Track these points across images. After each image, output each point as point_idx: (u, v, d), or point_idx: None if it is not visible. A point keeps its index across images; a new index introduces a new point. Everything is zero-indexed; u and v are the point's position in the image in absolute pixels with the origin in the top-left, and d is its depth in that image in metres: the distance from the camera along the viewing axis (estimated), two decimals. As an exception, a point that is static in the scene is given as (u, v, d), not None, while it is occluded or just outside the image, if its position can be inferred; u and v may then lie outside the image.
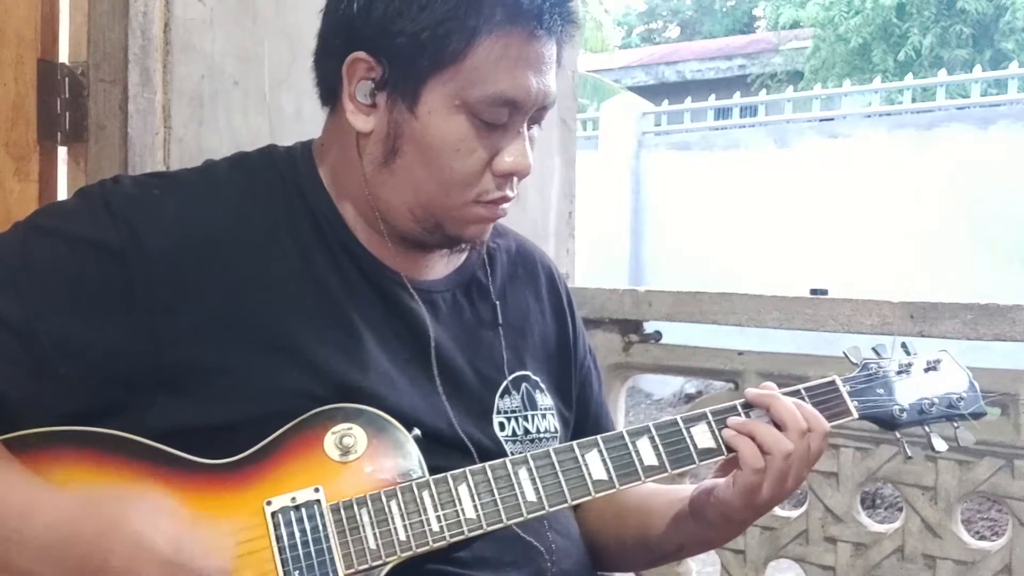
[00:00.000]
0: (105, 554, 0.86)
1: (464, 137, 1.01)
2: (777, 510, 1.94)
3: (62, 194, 1.57)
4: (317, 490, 0.97)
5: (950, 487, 1.77)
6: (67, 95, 1.53)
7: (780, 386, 1.97)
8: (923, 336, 1.74)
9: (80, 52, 1.53)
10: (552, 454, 1.03)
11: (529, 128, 1.06)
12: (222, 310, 1.00)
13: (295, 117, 1.65)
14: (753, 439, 1.06)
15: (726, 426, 1.08)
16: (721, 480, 1.09)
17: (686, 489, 1.16)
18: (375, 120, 1.03)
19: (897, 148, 7.72)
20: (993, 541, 1.80)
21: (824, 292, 1.99)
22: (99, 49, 1.51)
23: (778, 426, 1.07)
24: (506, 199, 1.06)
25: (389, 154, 1.04)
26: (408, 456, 1.00)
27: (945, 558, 1.77)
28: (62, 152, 1.57)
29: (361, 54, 1.02)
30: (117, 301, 0.97)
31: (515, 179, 1.06)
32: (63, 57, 1.55)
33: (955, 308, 1.73)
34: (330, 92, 1.08)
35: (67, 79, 1.53)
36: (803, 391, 1.13)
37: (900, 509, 1.86)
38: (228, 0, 1.58)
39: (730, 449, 1.07)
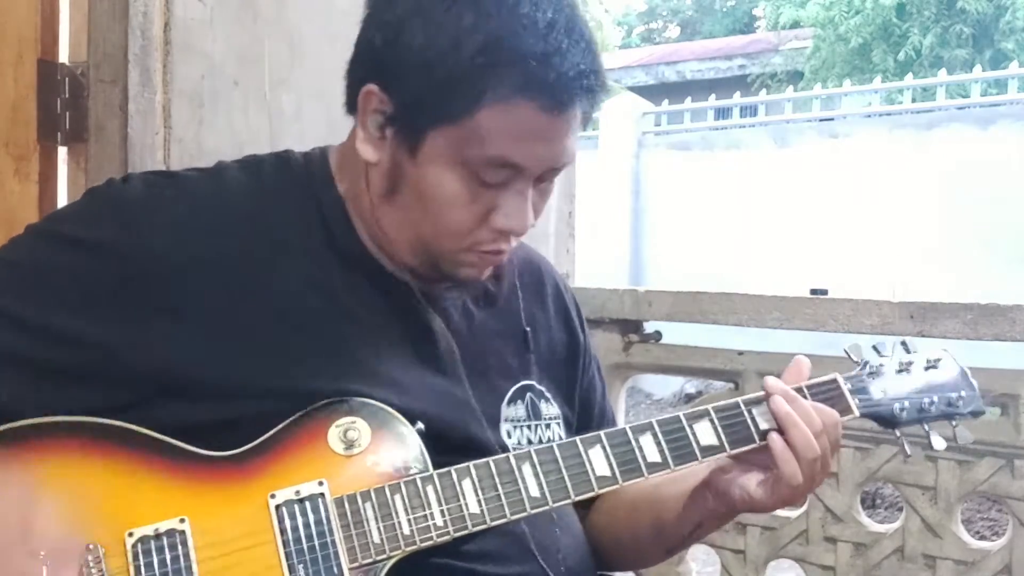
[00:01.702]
0: None
1: (458, 192, 0.99)
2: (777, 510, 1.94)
3: (62, 194, 1.58)
4: (321, 483, 0.97)
5: (950, 487, 1.76)
6: (67, 95, 1.54)
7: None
8: (923, 336, 1.74)
9: (80, 52, 1.54)
10: (556, 449, 1.03)
11: (541, 182, 1.04)
12: (227, 315, 1.00)
13: (295, 117, 1.65)
14: (783, 433, 1.06)
15: (775, 431, 1.06)
16: (753, 480, 1.08)
17: (697, 470, 1.13)
18: (382, 153, 1.03)
19: (897, 148, 7.72)
20: (993, 541, 1.80)
21: (824, 292, 1.99)
22: (99, 49, 1.51)
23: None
24: (500, 251, 1.05)
25: (389, 190, 1.04)
26: (411, 450, 1.00)
27: (945, 558, 1.77)
28: (62, 152, 1.57)
29: (374, 87, 1.01)
30: (123, 303, 0.97)
31: (516, 236, 1.04)
32: (63, 57, 1.56)
33: (955, 308, 1.73)
34: (352, 105, 1.07)
35: (67, 79, 1.53)
36: (805, 389, 1.12)
37: (900, 509, 1.86)
38: (228, 0, 1.58)
39: (762, 438, 1.07)
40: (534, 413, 1.16)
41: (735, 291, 1.97)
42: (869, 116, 8.60)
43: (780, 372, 1.92)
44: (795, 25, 12.07)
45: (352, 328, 1.05)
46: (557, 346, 1.24)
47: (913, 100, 8.82)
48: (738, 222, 8.32)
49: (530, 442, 1.13)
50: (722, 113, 10.19)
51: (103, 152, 1.51)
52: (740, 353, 1.95)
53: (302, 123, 1.64)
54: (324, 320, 1.04)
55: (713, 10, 18.62)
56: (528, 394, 1.16)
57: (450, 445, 1.03)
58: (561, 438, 1.17)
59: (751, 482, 1.08)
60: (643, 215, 9.29)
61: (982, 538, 3.50)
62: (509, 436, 1.12)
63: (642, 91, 12.13)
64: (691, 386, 8.29)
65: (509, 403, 1.14)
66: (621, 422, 2.14)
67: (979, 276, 6.76)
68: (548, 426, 1.16)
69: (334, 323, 1.04)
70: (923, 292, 1.94)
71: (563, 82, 0.96)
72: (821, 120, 8.84)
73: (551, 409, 1.18)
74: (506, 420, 1.13)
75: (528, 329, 1.17)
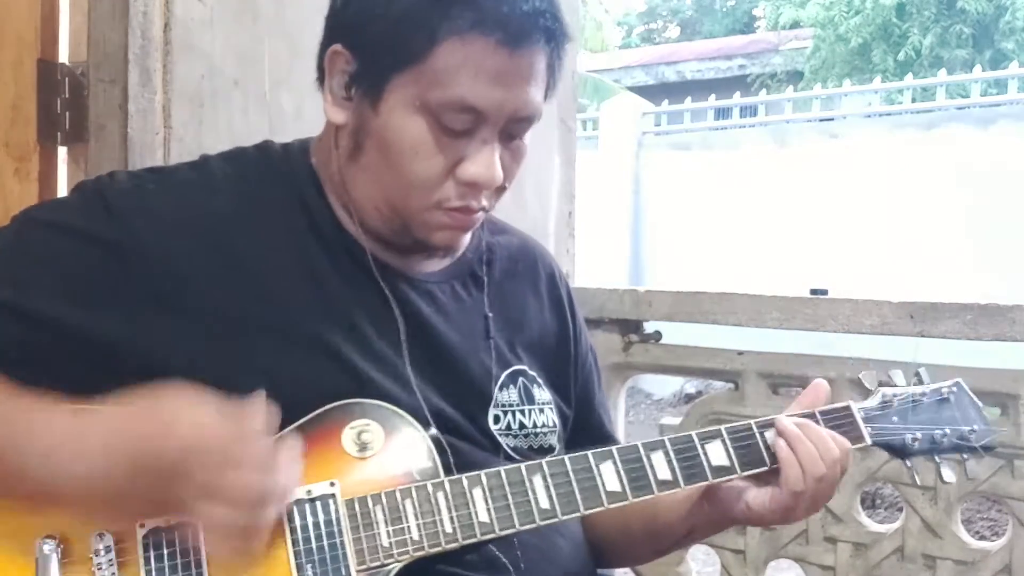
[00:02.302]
0: (160, 451, 0.87)
1: (422, 139, 0.99)
2: (777, 510, 1.94)
3: (62, 194, 1.57)
4: (333, 484, 0.97)
5: (950, 487, 1.76)
6: (67, 95, 1.53)
7: (779, 386, 1.97)
8: (923, 336, 1.73)
9: (80, 52, 1.53)
10: (567, 463, 1.03)
11: (511, 140, 1.04)
12: (216, 304, 1.00)
13: (295, 117, 1.65)
14: (798, 459, 1.06)
15: (782, 437, 1.07)
16: (753, 492, 1.08)
17: None
18: (348, 113, 1.04)
19: (897, 148, 7.72)
20: (993, 541, 1.80)
21: (824, 292, 1.99)
22: (99, 49, 1.51)
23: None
24: (470, 209, 1.04)
25: (355, 149, 1.04)
26: (424, 456, 1.00)
27: (945, 558, 1.77)
28: (62, 152, 1.57)
29: (339, 47, 1.03)
30: (112, 294, 0.97)
31: (483, 190, 1.03)
32: (63, 57, 1.56)
33: (955, 308, 1.73)
34: (322, 76, 1.08)
35: (67, 79, 1.53)
36: (818, 415, 1.13)
37: (900, 509, 1.86)
38: (228, 0, 1.58)
39: (773, 461, 1.07)
40: (527, 398, 1.16)
41: (735, 291, 1.97)
42: (869, 116, 8.61)
43: (780, 372, 1.93)
44: (795, 25, 12.08)
45: (341, 316, 1.05)
46: (549, 334, 1.24)
47: (913, 100, 8.83)
48: (738, 222, 8.32)
49: (522, 426, 1.13)
50: (722, 113, 10.19)
51: (103, 152, 1.51)
52: (740, 353, 1.95)
53: (302, 123, 1.64)
54: (314, 309, 1.04)
55: (713, 10, 18.61)
56: (520, 379, 1.16)
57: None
58: (555, 423, 1.18)
59: (751, 494, 1.08)
60: (643, 215, 9.29)
61: (982, 538, 3.50)
62: (497, 421, 1.12)
63: (642, 91, 12.14)
64: (691, 386, 8.29)
65: (501, 388, 1.14)
66: (621, 423, 2.15)
67: (979, 276, 6.76)
68: (541, 411, 1.17)
69: (324, 312, 1.04)
70: (923, 292, 1.94)
71: (518, 16, 0.96)
72: (821, 120, 8.85)
73: (543, 394, 1.18)
74: (496, 405, 1.12)
75: (490, 315, 1.16)
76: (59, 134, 1.54)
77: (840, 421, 1.13)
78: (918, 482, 1.18)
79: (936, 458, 1.18)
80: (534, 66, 1.00)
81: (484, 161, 1.01)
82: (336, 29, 1.04)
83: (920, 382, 1.21)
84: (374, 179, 1.04)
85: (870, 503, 5.20)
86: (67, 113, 1.53)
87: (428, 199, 1.02)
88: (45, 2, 1.53)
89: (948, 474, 1.17)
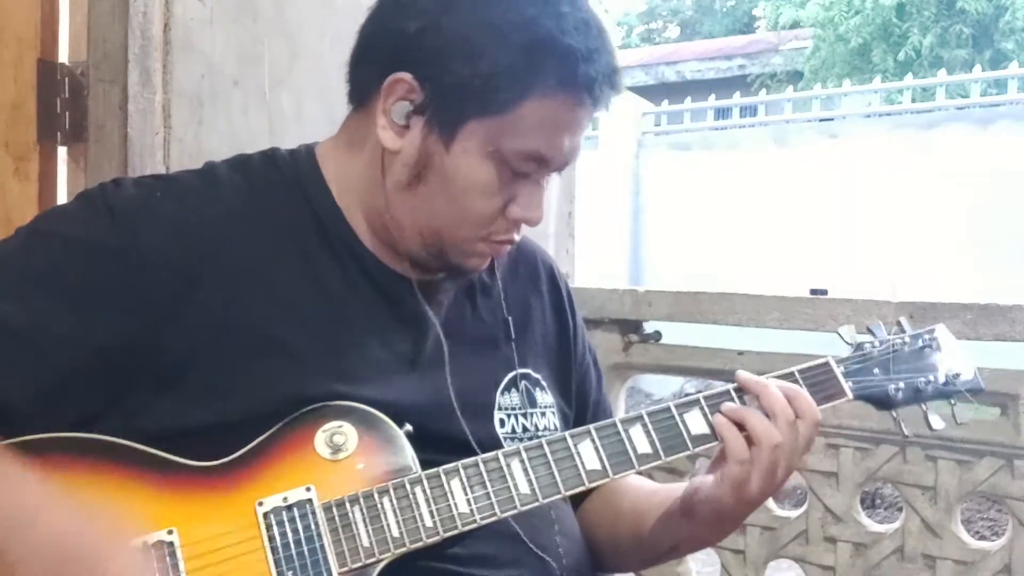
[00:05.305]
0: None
1: (490, 182, 1.02)
2: (777, 510, 1.94)
3: (62, 194, 1.58)
4: (309, 489, 0.97)
5: (950, 487, 1.76)
6: (67, 95, 1.54)
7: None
8: (923, 336, 1.73)
9: (80, 52, 1.54)
10: (545, 445, 1.03)
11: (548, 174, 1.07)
12: (221, 312, 1.00)
13: (295, 117, 1.65)
14: (743, 427, 1.05)
15: (719, 411, 1.07)
16: (710, 477, 1.08)
17: (678, 488, 1.15)
18: (405, 142, 1.03)
19: (897, 148, 7.73)
20: (993, 541, 1.80)
21: (824, 292, 1.99)
22: (99, 49, 1.51)
23: (767, 415, 1.06)
24: (512, 241, 1.08)
25: (413, 179, 1.04)
26: (399, 452, 1.00)
27: (945, 558, 1.77)
28: (62, 152, 1.57)
29: (406, 76, 1.00)
30: (118, 302, 0.97)
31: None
32: (63, 57, 1.56)
33: (955, 308, 1.72)
34: (361, 95, 1.07)
35: (67, 79, 1.53)
36: (796, 373, 1.12)
37: (900, 509, 1.86)
38: (228, 0, 1.58)
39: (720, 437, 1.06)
40: (529, 401, 1.16)
41: (735, 291, 1.97)
42: (869, 116, 8.62)
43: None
44: (795, 25, 12.09)
45: (347, 325, 1.05)
46: (551, 335, 1.24)
47: (913, 100, 8.84)
48: (738, 222, 8.32)
49: (525, 429, 1.13)
50: (722, 113, 10.20)
51: (103, 152, 1.51)
52: (740, 353, 1.95)
53: (302, 123, 1.64)
54: (320, 318, 1.04)
55: (713, 10, 18.62)
56: (523, 382, 1.16)
57: (432, 443, 1.03)
58: (556, 427, 1.17)
59: (707, 481, 1.07)
60: (643, 215, 9.29)
61: (982, 538, 3.50)
62: (502, 425, 1.12)
63: (642, 91, 12.13)
64: (691, 386, 8.29)
65: (503, 392, 1.14)
66: (621, 422, 2.15)
67: (979, 276, 6.76)
68: (543, 414, 1.17)
69: (330, 320, 1.04)
70: (923, 292, 1.94)
71: (600, 79, 1.00)
72: (821, 120, 8.86)
73: (546, 397, 1.18)
74: (500, 408, 1.13)
75: (509, 318, 1.17)
76: (59, 134, 1.54)
77: (820, 378, 1.13)
78: (906, 432, 1.16)
79: (922, 406, 1.15)
80: (592, 115, 1.05)
81: (535, 203, 1.05)
82: (403, 56, 1.01)
83: (901, 331, 1.19)
84: (427, 209, 1.04)
85: (870, 503, 5.20)
86: (67, 113, 1.54)
87: (478, 233, 1.05)
88: (45, 2, 1.54)
89: (936, 421, 1.15)
